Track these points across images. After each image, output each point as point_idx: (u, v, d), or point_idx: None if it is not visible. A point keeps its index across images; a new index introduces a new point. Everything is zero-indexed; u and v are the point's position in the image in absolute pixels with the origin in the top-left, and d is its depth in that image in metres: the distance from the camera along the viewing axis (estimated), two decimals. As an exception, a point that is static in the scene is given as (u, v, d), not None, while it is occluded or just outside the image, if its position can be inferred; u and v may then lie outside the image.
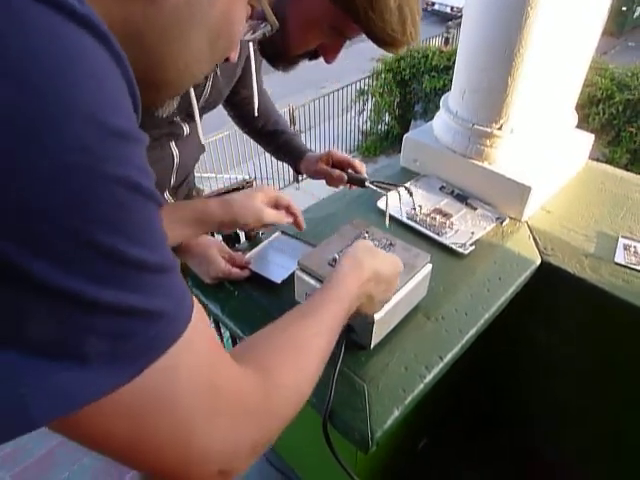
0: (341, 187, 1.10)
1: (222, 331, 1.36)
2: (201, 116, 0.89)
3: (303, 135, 5.65)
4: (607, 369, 1.06)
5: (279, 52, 0.77)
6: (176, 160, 0.92)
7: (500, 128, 1.04)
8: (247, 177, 1.45)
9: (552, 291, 1.03)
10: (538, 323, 1.13)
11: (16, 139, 0.21)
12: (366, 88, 6.47)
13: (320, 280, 0.72)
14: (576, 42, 0.97)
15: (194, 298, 0.33)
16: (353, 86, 6.39)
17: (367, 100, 6.55)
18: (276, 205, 0.82)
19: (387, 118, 6.71)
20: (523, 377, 1.26)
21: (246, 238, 1.03)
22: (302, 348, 0.46)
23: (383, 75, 6.26)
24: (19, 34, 0.21)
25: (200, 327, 0.32)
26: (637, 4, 9.92)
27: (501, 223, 1.05)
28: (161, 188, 0.94)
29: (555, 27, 0.91)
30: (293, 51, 0.75)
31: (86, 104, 0.23)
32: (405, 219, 1.03)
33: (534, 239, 1.03)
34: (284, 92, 5.43)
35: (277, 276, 0.87)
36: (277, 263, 0.92)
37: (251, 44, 0.90)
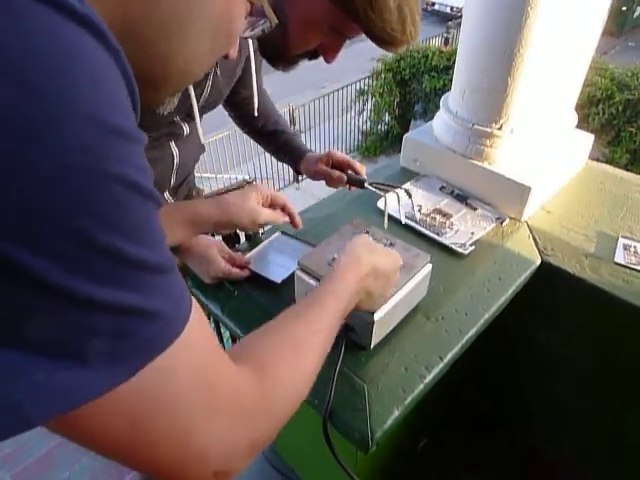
0: (340, 187, 1.10)
1: (222, 331, 1.36)
2: (201, 116, 0.89)
3: (303, 135, 5.65)
4: (607, 369, 1.06)
5: (279, 52, 0.76)
6: (176, 160, 0.92)
7: (500, 128, 1.04)
8: (247, 177, 1.45)
9: (552, 291, 1.03)
10: (538, 323, 1.13)
11: (16, 139, 0.21)
12: (366, 88, 6.46)
13: (320, 280, 0.72)
14: (576, 42, 0.97)
15: (192, 298, 0.33)
16: (353, 86, 6.39)
17: (367, 100, 6.55)
18: (271, 204, 0.81)
19: (387, 118, 6.71)
20: (523, 377, 1.26)
21: (246, 238, 1.03)
22: (300, 346, 0.45)
23: (383, 75, 6.26)
24: (19, 34, 0.21)
25: (198, 327, 0.32)
26: (637, 4, 9.92)
27: (501, 223, 1.05)
28: (161, 188, 0.94)
29: (555, 27, 0.91)
30: (293, 51, 0.75)
31: (86, 104, 0.23)
32: (405, 219, 1.03)
33: (534, 239, 1.03)
34: (284, 92, 5.43)
35: (277, 276, 0.87)
36: (277, 263, 0.92)
37: (251, 44, 0.90)
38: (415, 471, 1.30)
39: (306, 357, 0.45)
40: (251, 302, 0.86)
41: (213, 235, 1.02)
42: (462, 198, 1.12)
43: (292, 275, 0.78)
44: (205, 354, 0.33)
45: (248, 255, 0.92)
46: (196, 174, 1.12)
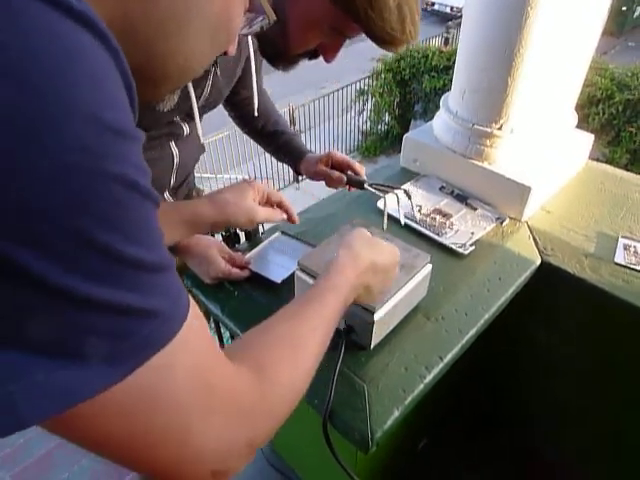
0: (340, 188, 1.10)
1: (222, 331, 1.36)
2: (201, 116, 0.89)
3: (303, 135, 5.65)
4: (607, 369, 1.06)
5: (279, 52, 0.76)
6: (176, 160, 0.92)
7: (500, 128, 1.04)
8: (247, 177, 1.45)
9: (552, 291, 1.03)
10: (538, 323, 1.13)
11: (16, 139, 0.21)
12: (366, 88, 6.46)
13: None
14: (576, 42, 0.97)
15: (190, 297, 0.33)
16: (353, 86, 6.39)
17: (367, 100, 6.55)
18: (267, 201, 0.81)
19: (387, 118, 6.71)
20: (523, 377, 1.26)
21: (246, 238, 1.03)
22: (298, 344, 0.45)
23: (383, 75, 6.26)
24: (19, 34, 0.21)
25: (195, 326, 0.32)
26: (637, 4, 9.92)
27: (501, 223, 1.05)
28: (161, 188, 0.94)
29: (555, 27, 0.91)
30: (293, 51, 0.75)
31: (86, 104, 0.23)
32: (405, 219, 1.03)
33: (534, 239, 1.03)
34: (284, 92, 5.44)
35: (277, 276, 0.87)
36: (277, 263, 0.92)
37: (251, 45, 0.90)
38: (415, 471, 1.30)
39: (305, 355, 0.45)
40: (251, 302, 0.86)
41: (213, 235, 1.02)
42: (462, 198, 1.12)
43: (292, 275, 0.78)
44: (202, 353, 0.33)
45: (248, 255, 0.92)
46: (196, 174, 1.12)
